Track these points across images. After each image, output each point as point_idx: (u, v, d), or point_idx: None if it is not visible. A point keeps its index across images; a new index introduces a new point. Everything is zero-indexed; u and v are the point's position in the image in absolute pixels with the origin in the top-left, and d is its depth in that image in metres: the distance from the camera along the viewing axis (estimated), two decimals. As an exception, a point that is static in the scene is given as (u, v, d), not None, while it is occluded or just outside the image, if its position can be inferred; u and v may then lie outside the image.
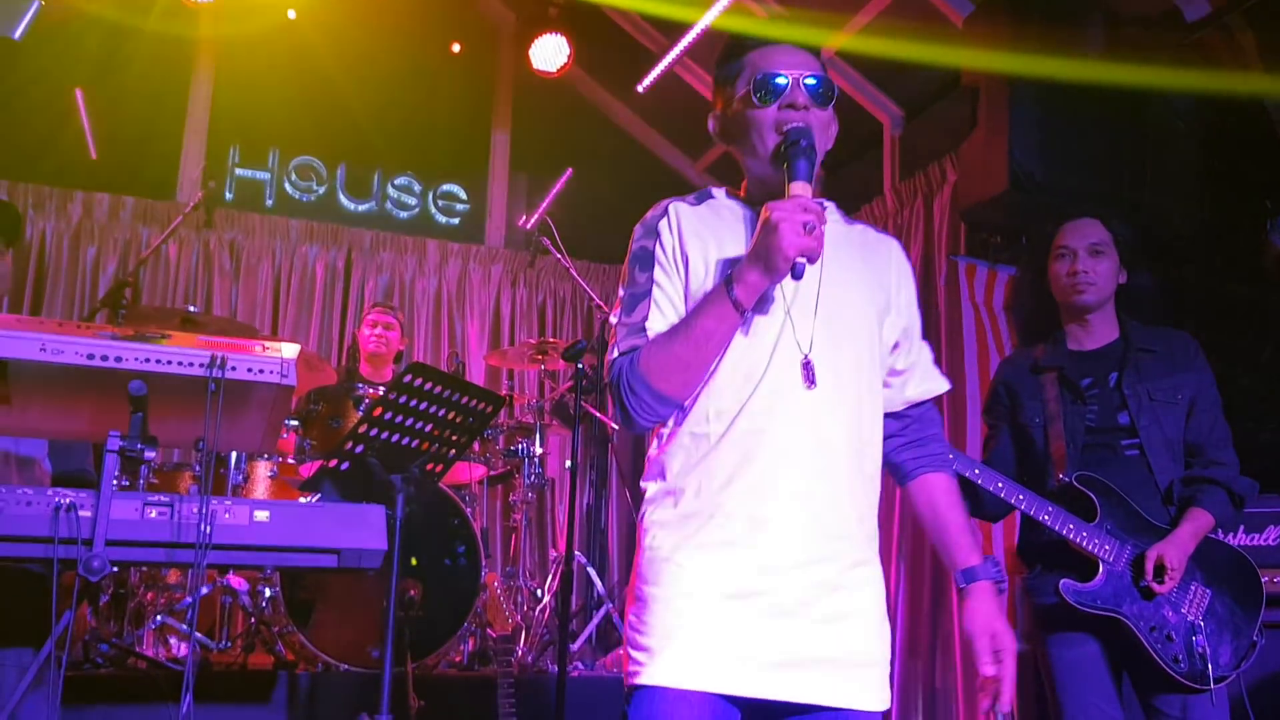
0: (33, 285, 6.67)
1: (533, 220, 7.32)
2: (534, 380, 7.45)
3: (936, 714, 5.35)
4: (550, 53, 7.03)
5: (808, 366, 1.87)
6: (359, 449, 3.23)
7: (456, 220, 8.05)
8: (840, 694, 1.83)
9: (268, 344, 2.31)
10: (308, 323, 7.30)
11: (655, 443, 1.98)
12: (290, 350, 2.29)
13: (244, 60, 7.20)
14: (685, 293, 1.93)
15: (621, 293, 2.00)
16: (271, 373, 2.23)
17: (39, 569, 2.33)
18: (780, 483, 1.84)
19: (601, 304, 6.34)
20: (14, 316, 2.25)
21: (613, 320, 1.99)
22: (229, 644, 4.67)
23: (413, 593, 4.06)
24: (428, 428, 3.29)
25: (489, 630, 4.81)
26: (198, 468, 4.77)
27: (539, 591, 5.46)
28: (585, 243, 6.43)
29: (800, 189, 1.81)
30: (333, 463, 3.27)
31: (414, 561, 4.41)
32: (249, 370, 2.21)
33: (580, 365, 4.72)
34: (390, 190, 7.89)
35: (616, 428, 6.00)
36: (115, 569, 3.36)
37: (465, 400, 3.33)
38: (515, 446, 5.59)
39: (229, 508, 2.21)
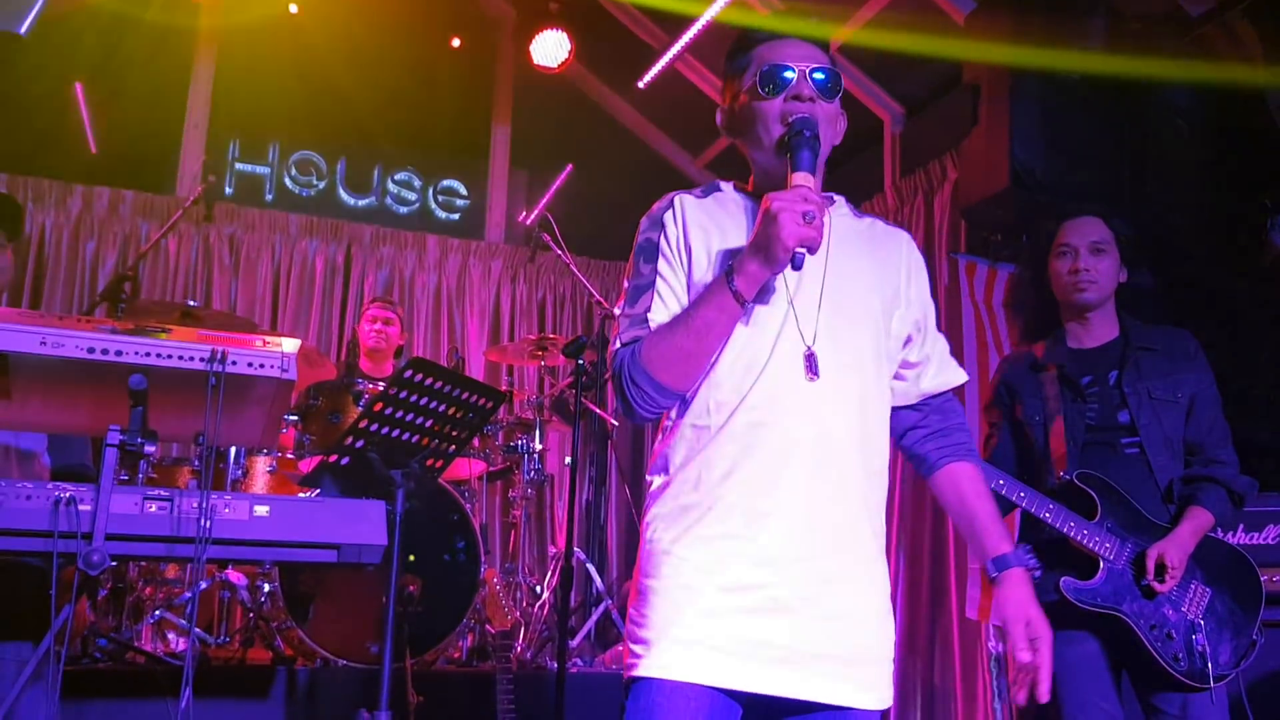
0: (32, 279, 6.67)
1: (533, 216, 7.32)
2: (534, 376, 7.45)
3: (935, 711, 5.35)
4: (551, 48, 7.02)
5: (810, 358, 1.86)
6: (359, 444, 3.23)
7: (457, 216, 8.06)
8: (841, 692, 1.81)
9: (268, 338, 2.30)
10: (307, 318, 7.29)
11: (660, 435, 1.98)
12: (291, 345, 2.28)
13: (244, 54, 7.20)
14: (688, 284, 1.93)
15: (626, 285, 2.00)
16: (272, 367, 2.23)
17: (38, 563, 2.33)
18: (780, 475, 1.83)
19: (602, 300, 6.33)
20: (14, 310, 2.25)
21: (616, 312, 1.99)
22: (227, 639, 4.67)
23: (412, 588, 4.06)
24: (428, 423, 3.28)
25: (488, 626, 4.81)
26: (197, 462, 4.77)
27: (538, 588, 5.45)
28: (585, 239, 6.43)
29: (802, 179, 1.80)
30: (333, 458, 3.26)
31: (411, 558, 4.41)
32: (249, 365, 2.21)
33: (580, 361, 4.72)
34: (390, 185, 7.89)
35: (616, 424, 6.01)
36: (114, 563, 3.35)
37: (466, 396, 3.33)
38: (515, 442, 5.58)
39: (229, 502, 2.21)
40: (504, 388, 6.24)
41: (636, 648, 1.84)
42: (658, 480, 1.94)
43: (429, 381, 3.23)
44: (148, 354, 2.15)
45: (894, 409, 2.07)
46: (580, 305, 8.10)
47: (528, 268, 7.91)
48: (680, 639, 1.79)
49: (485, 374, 7.34)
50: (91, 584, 3.95)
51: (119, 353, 2.13)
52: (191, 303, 5.05)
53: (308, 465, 4.83)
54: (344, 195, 7.75)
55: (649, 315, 1.92)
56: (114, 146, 6.90)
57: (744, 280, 1.80)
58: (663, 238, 1.97)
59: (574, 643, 5.28)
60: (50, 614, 2.08)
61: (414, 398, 3.23)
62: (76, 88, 6.83)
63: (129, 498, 2.14)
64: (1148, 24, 4.63)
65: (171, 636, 4.62)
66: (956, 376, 2.11)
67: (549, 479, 6.66)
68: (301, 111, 7.40)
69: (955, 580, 5.23)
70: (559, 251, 5.65)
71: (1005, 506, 3.01)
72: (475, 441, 5.19)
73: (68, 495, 2.08)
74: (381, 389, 3.64)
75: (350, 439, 3.23)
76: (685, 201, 2.00)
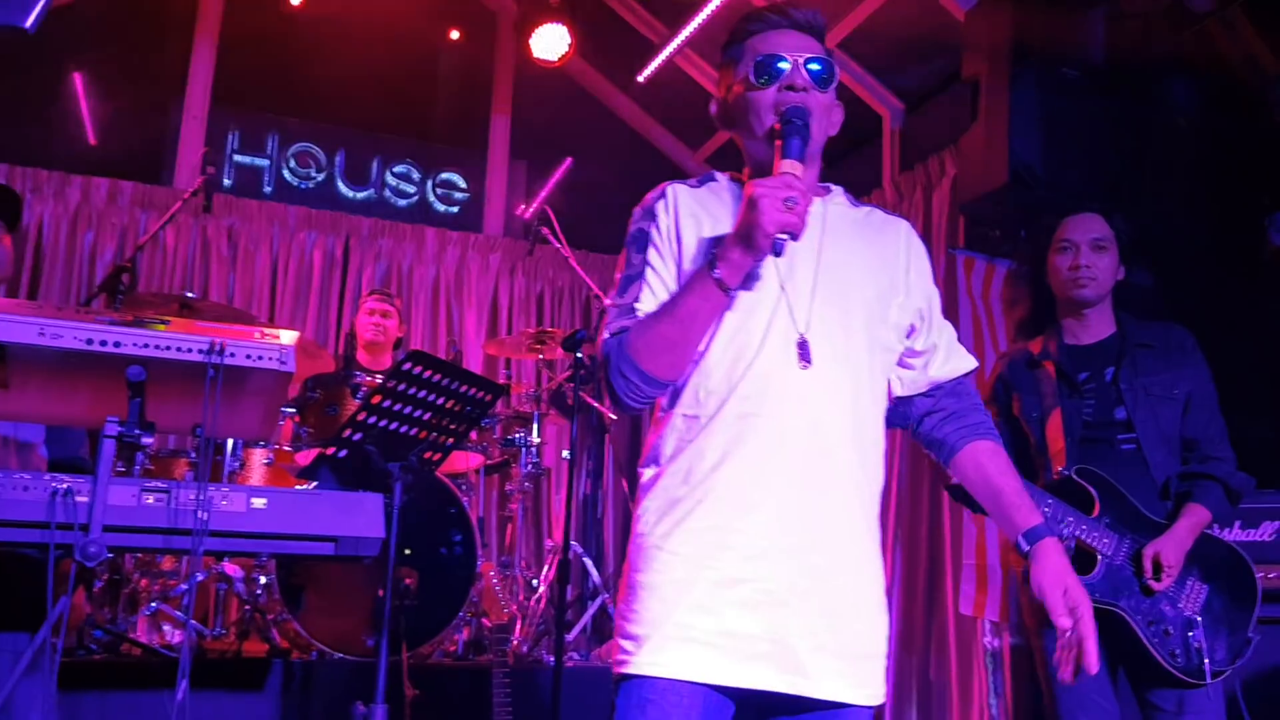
0: (30, 270, 6.65)
1: (532, 209, 7.30)
2: (531, 370, 7.43)
3: (931, 707, 5.36)
4: (551, 42, 7.00)
5: (803, 346, 1.84)
6: (357, 436, 3.22)
7: (456, 208, 8.05)
8: (834, 687, 1.79)
9: (266, 330, 2.30)
10: (305, 310, 7.28)
11: (652, 427, 1.96)
12: (289, 337, 2.28)
13: (244, 46, 7.17)
14: (679, 274, 1.91)
15: (618, 275, 1.98)
16: (271, 359, 2.22)
17: (35, 554, 2.33)
18: (771, 466, 1.81)
19: (600, 294, 6.31)
20: (13, 301, 2.24)
21: (607, 303, 1.98)
22: (223, 631, 4.66)
23: (408, 581, 4.05)
24: (426, 416, 3.28)
25: (484, 620, 4.80)
26: (193, 454, 4.76)
27: (535, 581, 5.45)
28: (584, 233, 6.42)
29: (789, 166, 1.77)
30: (330, 450, 3.26)
31: (407, 551, 4.41)
32: (248, 356, 2.21)
33: (579, 355, 4.71)
34: (389, 178, 7.88)
35: (614, 418, 6.00)
36: (111, 555, 3.35)
37: (464, 389, 3.32)
38: (512, 436, 5.58)
39: (226, 494, 2.21)
40: (502, 381, 6.23)
41: (626, 644, 1.82)
42: (649, 472, 1.92)
43: (427, 374, 3.23)
44: (146, 345, 2.14)
45: (906, 398, 2.06)
46: (579, 299, 8.09)
47: (526, 261, 7.89)
48: (671, 635, 1.77)
49: (483, 367, 7.33)
50: (87, 575, 3.94)
51: (117, 344, 2.12)
52: (189, 294, 5.03)
53: (305, 458, 4.83)
54: (343, 187, 7.75)
55: (636, 305, 1.90)
56: (112, 137, 6.89)
57: (726, 268, 1.77)
58: (654, 228, 1.95)
59: (570, 636, 5.29)
60: (47, 605, 2.07)
61: (412, 390, 3.23)
62: (75, 78, 6.81)
63: (126, 489, 2.13)
64: (1148, 20, 4.62)
65: (167, 628, 4.61)
66: (965, 363, 2.08)
67: (546, 472, 6.65)
68: (301, 103, 7.39)
69: (951, 576, 5.24)
70: (558, 245, 5.64)
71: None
72: (473, 434, 5.18)
73: (65, 487, 2.08)
74: (381, 381, 3.63)
75: (348, 431, 3.23)
76: (678, 191, 1.98)
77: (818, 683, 1.78)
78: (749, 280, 1.84)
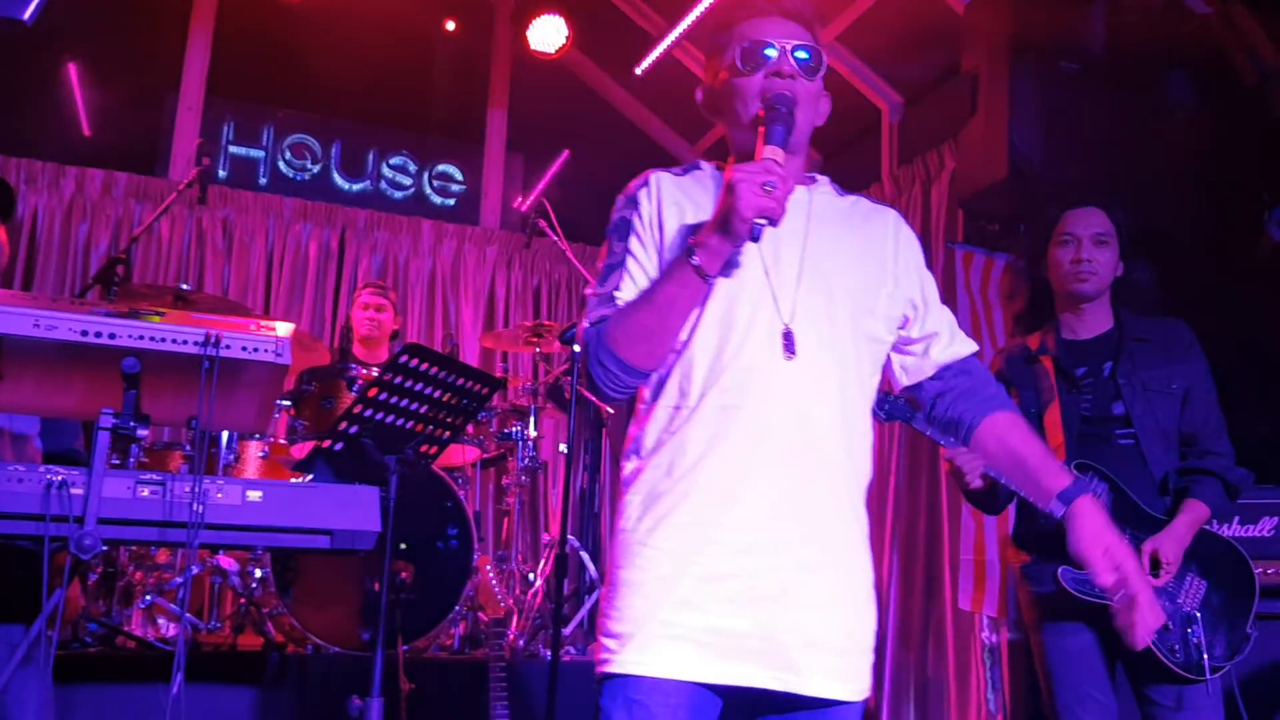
0: (24, 261, 6.62)
1: (529, 202, 7.29)
2: (528, 363, 7.43)
3: (928, 703, 5.36)
4: (548, 33, 6.99)
5: (788, 336, 1.81)
6: (353, 429, 3.21)
7: (452, 201, 8.02)
8: (824, 684, 1.77)
9: (262, 322, 2.28)
10: (300, 302, 7.26)
11: (634, 418, 1.93)
12: (285, 329, 2.27)
13: (239, 37, 7.15)
14: (660, 262, 1.88)
15: (600, 264, 1.96)
16: (266, 351, 2.21)
17: (30, 546, 2.32)
18: (756, 459, 1.78)
19: (597, 287, 6.31)
20: (7, 292, 2.22)
21: (588, 291, 1.95)
22: (218, 625, 4.66)
23: (404, 575, 4.04)
24: (423, 409, 3.27)
25: (480, 614, 4.80)
26: (188, 447, 4.75)
27: (531, 575, 5.44)
28: (582, 225, 6.39)
29: (770, 152, 1.74)
30: (326, 443, 3.25)
31: (403, 545, 4.39)
32: (243, 348, 2.19)
33: (576, 348, 4.70)
34: (385, 169, 7.85)
35: (611, 411, 5.99)
36: (106, 548, 3.34)
37: (461, 382, 3.31)
38: (509, 429, 5.56)
39: (222, 487, 2.19)
40: (499, 374, 6.22)
41: (610, 642, 1.79)
42: (630, 465, 1.89)
43: (424, 367, 3.22)
44: (141, 337, 2.13)
45: (913, 384, 2.03)
46: (576, 292, 8.07)
47: (523, 253, 7.87)
48: (656, 633, 1.75)
49: (480, 360, 7.32)
50: (82, 568, 3.93)
51: (112, 335, 2.11)
52: (184, 286, 5.01)
53: (300, 451, 4.82)
54: (338, 179, 7.72)
55: (616, 293, 1.88)
56: (107, 128, 6.86)
57: (705, 254, 1.74)
58: (636, 215, 1.93)
59: (567, 631, 5.27)
60: (42, 598, 2.06)
61: (409, 383, 3.21)
62: (70, 69, 6.78)
63: (121, 482, 2.12)
64: (1148, 14, 4.61)
65: (162, 621, 4.60)
66: (965, 347, 2.04)
67: (543, 466, 6.66)
68: (296, 95, 7.37)
69: (949, 571, 5.23)
70: (555, 237, 5.62)
71: (1004, 495, 3.01)
72: (469, 428, 5.17)
73: (60, 479, 2.06)
74: (377, 374, 3.62)
75: (344, 424, 3.21)
76: (661, 179, 1.95)
77: (808, 679, 1.76)
78: (731, 268, 1.81)
